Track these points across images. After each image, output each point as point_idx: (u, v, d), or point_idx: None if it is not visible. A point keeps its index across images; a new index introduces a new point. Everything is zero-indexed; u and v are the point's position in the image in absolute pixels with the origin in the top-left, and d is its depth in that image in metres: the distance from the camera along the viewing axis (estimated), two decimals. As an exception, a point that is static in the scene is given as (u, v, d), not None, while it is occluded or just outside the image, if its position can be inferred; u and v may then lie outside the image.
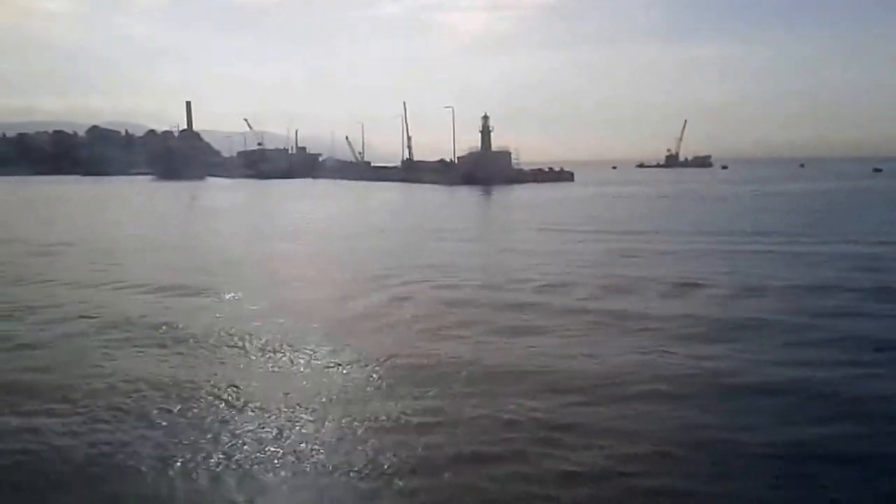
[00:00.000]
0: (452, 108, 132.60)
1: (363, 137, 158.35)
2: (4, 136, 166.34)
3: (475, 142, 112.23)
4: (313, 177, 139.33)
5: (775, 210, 50.07)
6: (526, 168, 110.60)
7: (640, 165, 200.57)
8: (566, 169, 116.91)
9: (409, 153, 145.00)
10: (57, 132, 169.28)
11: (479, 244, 32.73)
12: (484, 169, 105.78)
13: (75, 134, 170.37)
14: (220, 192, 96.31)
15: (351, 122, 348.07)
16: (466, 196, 78.78)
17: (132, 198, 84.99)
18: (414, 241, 33.27)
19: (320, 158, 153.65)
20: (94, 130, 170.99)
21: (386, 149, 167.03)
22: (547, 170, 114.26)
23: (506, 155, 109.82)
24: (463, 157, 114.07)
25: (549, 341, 14.00)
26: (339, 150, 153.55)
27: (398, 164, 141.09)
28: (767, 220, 40.70)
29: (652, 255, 26.36)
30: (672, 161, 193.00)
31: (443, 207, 62.92)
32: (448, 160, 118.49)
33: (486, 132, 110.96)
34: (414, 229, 39.65)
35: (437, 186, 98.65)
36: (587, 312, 16.50)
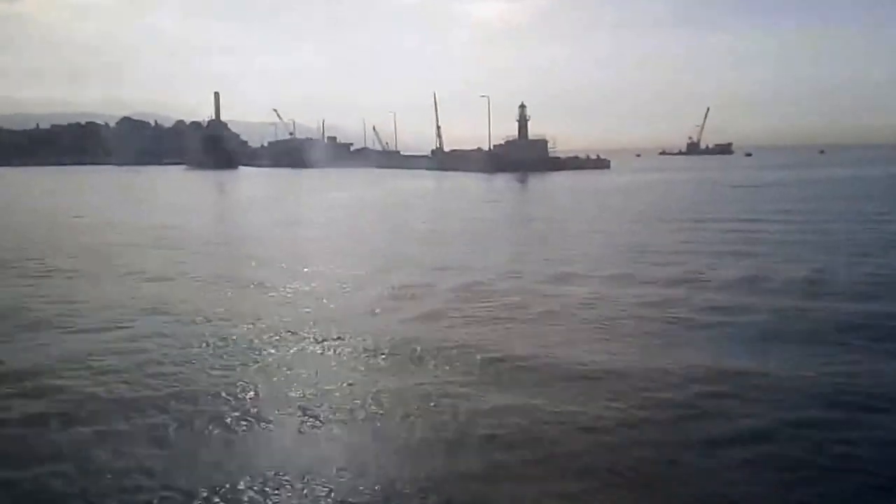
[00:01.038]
0: (488, 96, 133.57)
1: (395, 127, 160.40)
2: (38, 126, 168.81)
3: (497, 131, 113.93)
4: (345, 166, 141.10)
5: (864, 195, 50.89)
6: (562, 156, 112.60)
7: (662, 153, 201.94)
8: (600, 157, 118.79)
9: (440, 142, 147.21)
10: (89, 123, 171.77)
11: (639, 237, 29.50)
12: (521, 157, 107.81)
13: (106, 125, 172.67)
14: (268, 182, 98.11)
15: (375, 112, 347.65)
16: (519, 184, 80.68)
17: (193, 187, 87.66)
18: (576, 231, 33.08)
19: (351, 148, 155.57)
20: (125, 121, 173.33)
21: (407, 138, 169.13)
22: (584, 157, 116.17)
23: (542, 143, 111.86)
24: (498, 145, 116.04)
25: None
26: (366, 139, 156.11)
27: (427, 153, 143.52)
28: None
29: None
30: (693, 149, 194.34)
31: (520, 197, 64.45)
32: (484, 149, 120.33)
33: (522, 120, 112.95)
34: (549, 220, 39.34)
35: (474, 175, 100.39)
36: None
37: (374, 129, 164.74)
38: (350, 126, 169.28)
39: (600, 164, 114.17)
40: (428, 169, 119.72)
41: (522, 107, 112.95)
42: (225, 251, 28.39)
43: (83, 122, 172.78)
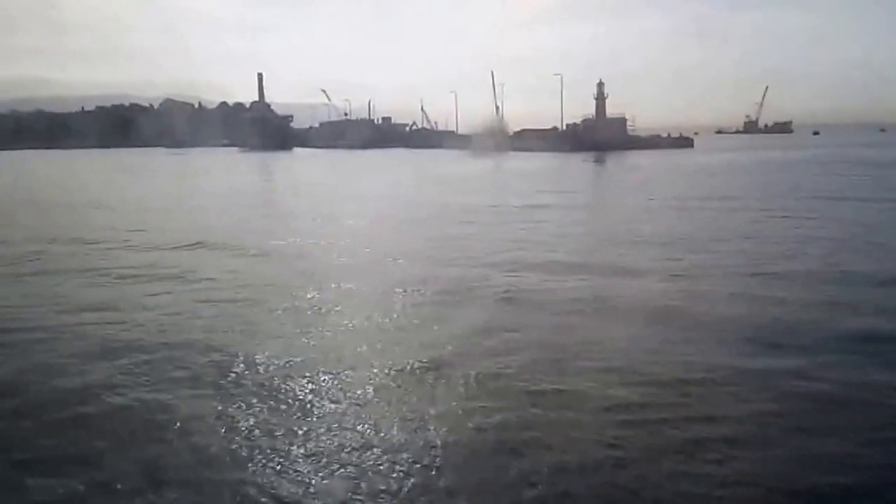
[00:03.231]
0: (561, 75, 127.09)
1: (457, 107, 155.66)
2: (83, 108, 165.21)
3: (546, 109, 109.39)
4: (403, 146, 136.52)
5: None
6: (643, 134, 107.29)
7: (719, 132, 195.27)
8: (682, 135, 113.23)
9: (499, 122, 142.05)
10: (133, 104, 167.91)
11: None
12: (600, 135, 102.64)
13: (151, 106, 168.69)
14: (347, 162, 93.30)
15: (421, 92, 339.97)
16: (613, 164, 75.89)
17: (283, 169, 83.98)
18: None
19: (406, 128, 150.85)
20: (168, 103, 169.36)
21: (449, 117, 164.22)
22: (665, 136, 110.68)
23: (621, 121, 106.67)
24: (572, 124, 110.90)
25: None
26: (425, 120, 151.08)
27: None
28: None
29: None
30: (751, 127, 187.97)
31: (631, 176, 59.52)
32: (555, 128, 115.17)
33: (600, 98, 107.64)
34: (703, 198, 36.09)
35: (548, 154, 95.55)
36: None
37: (422, 108, 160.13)
38: (394, 106, 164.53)
39: (683, 142, 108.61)
40: (488, 148, 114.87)
41: (601, 84, 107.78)
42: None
43: (127, 103, 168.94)
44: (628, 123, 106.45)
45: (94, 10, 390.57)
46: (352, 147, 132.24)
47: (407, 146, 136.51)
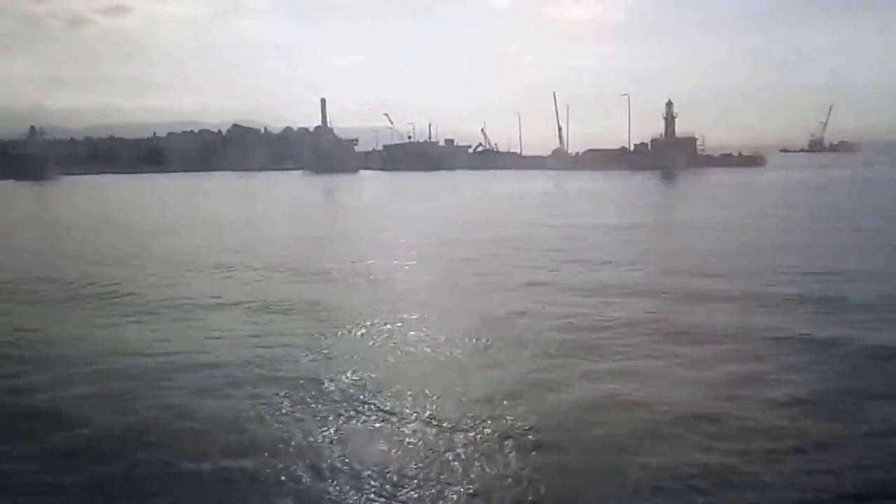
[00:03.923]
0: (628, 95, 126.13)
1: (520, 128, 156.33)
2: (154, 134, 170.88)
3: (608, 129, 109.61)
4: (466, 168, 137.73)
5: None
6: (714, 154, 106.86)
7: (784, 151, 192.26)
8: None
9: (561, 142, 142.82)
10: (202, 131, 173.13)
11: None
12: (670, 155, 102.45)
13: (220, 132, 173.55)
14: (416, 184, 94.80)
15: (482, 114, 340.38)
16: (693, 182, 75.72)
17: (378, 190, 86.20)
18: None
19: (469, 150, 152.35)
20: (235, 129, 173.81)
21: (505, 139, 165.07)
22: (736, 154, 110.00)
23: (692, 140, 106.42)
24: (641, 144, 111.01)
25: None
26: (487, 142, 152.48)
27: (544, 153, 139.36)
28: None
29: None
30: (816, 146, 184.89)
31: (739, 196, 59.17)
32: (620, 148, 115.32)
33: (670, 118, 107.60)
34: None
35: (617, 174, 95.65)
36: None
37: (482, 131, 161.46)
38: (455, 128, 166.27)
39: (754, 161, 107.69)
40: (551, 169, 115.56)
41: (669, 104, 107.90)
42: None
43: (196, 129, 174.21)
44: (698, 143, 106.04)
45: (161, 41, 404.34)
46: (415, 169, 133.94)
47: (470, 168, 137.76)
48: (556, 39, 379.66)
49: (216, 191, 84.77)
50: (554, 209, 47.71)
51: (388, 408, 10.48)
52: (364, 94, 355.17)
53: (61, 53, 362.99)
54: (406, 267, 24.36)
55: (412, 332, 14.83)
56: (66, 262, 26.75)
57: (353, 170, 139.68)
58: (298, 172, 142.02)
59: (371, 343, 14.29)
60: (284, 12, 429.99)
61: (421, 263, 25.01)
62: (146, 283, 21.33)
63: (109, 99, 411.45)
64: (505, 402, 10.43)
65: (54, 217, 52.98)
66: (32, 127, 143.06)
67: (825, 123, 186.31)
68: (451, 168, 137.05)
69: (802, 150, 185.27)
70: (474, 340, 14.05)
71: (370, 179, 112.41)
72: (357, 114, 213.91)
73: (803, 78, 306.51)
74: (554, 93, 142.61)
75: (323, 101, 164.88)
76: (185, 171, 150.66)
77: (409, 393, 11.04)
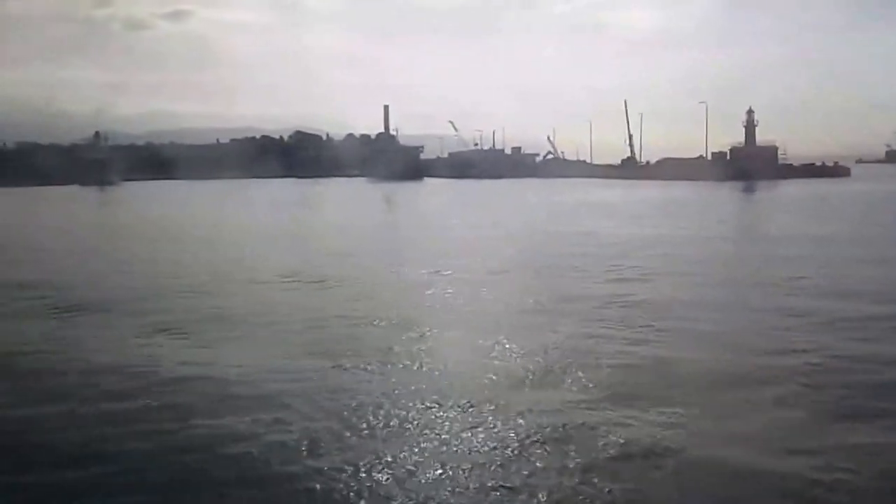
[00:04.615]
0: (706, 103, 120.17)
1: (591, 136, 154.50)
2: (218, 141, 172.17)
3: (681, 137, 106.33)
4: (533, 176, 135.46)
5: None
6: (795, 163, 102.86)
7: (859, 161, 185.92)
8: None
9: (631, 150, 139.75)
10: (264, 136, 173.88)
11: None
12: (751, 164, 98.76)
13: (281, 138, 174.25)
14: (488, 191, 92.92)
15: (550, 122, 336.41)
16: (780, 193, 72.52)
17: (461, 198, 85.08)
18: None
19: (537, 158, 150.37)
20: (298, 135, 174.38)
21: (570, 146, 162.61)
22: (819, 164, 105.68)
23: (772, 149, 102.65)
24: (718, 152, 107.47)
25: None
26: (555, 150, 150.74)
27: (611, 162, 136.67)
28: None
29: None
30: (893, 157, 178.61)
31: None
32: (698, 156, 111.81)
33: (750, 126, 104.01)
34: None
35: (695, 183, 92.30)
36: None
37: (548, 139, 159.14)
38: (521, 136, 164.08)
39: (839, 171, 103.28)
40: (622, 178, 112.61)
41: (750, 112, 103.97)
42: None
43: (258, 135, 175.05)
44: (780, 152, 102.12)
45: (222, 47, 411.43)
46: (482, 177, 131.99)
47: (537, 176, 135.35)
48: (620, 47, 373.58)
49: (313, 196, 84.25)
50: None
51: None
52: (429, 102, 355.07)
53: (122, 58, 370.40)
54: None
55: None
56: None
57: (418, 177, 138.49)
58: (362, 179, 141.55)
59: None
60: (347, 22, 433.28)
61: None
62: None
63: (170, 104, 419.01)
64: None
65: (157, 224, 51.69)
66: (97, 132, 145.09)
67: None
68: (517, 176, 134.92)
69: (878, 161, 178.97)
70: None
71: (436, 187, 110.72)
72: (421, 121, 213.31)
73: (876, 88, 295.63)
74: (625, 101, 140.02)
75: (386, 107, 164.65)
76: (248, 177, 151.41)
77: None
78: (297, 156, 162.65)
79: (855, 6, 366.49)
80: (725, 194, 72.81)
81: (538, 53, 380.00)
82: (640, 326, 14.92)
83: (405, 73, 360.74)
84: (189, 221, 50.29)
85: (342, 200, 79.16)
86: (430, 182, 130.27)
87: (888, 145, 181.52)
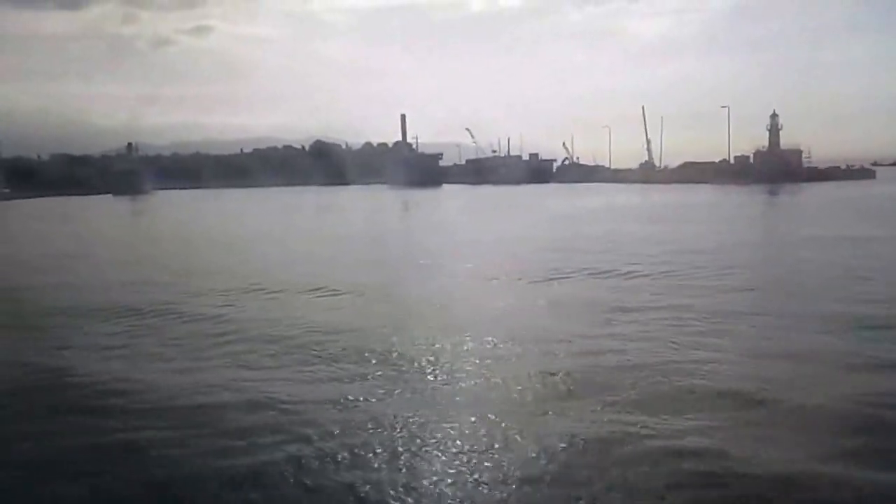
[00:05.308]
0: (728, 107, 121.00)
1: (610, 141, 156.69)
2: (241, 150, 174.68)
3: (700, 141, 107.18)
4: (551, 181, 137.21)
5: None
6: (820, 166, 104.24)
7: (875, 164, 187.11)
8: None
9: (649, 155, 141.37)
10: (285, 146, 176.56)
11: None
12: (775, 167, 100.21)
13: (303, 148, 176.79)
14: (514, 198, 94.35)
15: (568, 128, 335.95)
16: (810, 196, 73.50)
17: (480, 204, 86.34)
18: None
19: (555, 164, 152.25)
20: (318, 144, 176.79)
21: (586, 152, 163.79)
22: (844, 167, 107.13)
23: (797, 153, 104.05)
24: (741, 156, 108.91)
25: None
26: (572, 156, 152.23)
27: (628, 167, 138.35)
28: None
29: None
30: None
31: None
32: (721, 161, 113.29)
33: (774, 130, 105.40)
34: None
35: (719, 187, 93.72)
36: None
37: (563, 145, 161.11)
38: (537, 142, 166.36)
39: (865, 174, 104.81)
40: (640, 182, 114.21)
41: (774, 115, 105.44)
42: None
43: (280, 145, 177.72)
44: (804, 155, 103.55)
45: (242, 61, 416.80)
46: (500, 183, 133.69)
47: (556, 181, 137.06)
48: (636, 53, 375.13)
49: (354, 202, 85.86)
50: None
51: None
52: (445, 111, 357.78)
53: (148, 73, 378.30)
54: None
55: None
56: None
57: (437, 184, 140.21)
58: (383, 186, 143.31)
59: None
60: (361, 35, 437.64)
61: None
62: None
63: (193, 117, 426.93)
64: None
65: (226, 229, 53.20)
66: (130, 143, 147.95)
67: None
68: (536, 182, 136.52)
69: (894, 164, 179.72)
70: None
71: (456, 194, 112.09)
72: (437, 130, 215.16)
73: (889, 90, 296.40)
74: (643, 106, 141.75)
75: (403, 116, 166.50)
76: (271, 185, 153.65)
77: None
78: (317, 164, 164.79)
79: (872, 11, 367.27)
80: (763, 198, 73.74)
81: (553, 62, 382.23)
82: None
83: (420, 83, 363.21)
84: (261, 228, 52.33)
85: (380, 207, 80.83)
86: (449, 189, 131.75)
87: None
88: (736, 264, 24.42)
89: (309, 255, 31.30)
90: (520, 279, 22.49)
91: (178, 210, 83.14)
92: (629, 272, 22.72)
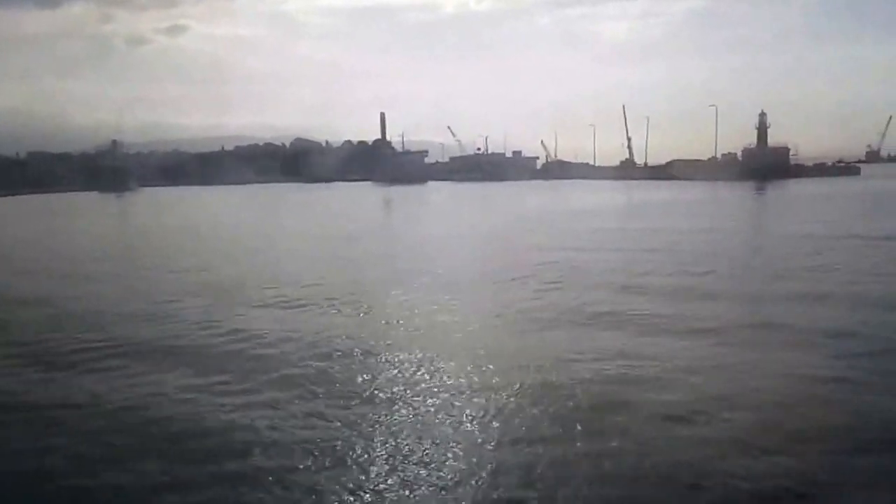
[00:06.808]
0: (716, 106, 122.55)
1: (594, 141, 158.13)
2: (223, 148, 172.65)
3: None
4: (533, 178, 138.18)
5: None
6: (807, 163, 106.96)
7: (839, 162, 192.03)
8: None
9: (630, 153, 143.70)
10: (267, 144, 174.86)
11: None
12: (762, 164, 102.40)
13: (283, 146, 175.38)
14: (499, 194, 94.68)
15: (551, 126, 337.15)
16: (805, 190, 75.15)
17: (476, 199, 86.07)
18: None
19: (538, 161, 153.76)
20: (298, 142, 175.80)
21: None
22: (830, 164, 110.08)
23: (784, 150, 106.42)
24: (728, 154, 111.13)
25: None
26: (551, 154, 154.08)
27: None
28: None
29: None
30: (873, 157, 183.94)
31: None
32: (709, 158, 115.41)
33: (762, 128, 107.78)
34: None
35: (707, 183, 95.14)
36: None
37: (542, 142, 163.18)
38: (519, 140, 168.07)
39: (849, 170, 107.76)
40: (621, 179, 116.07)
41: (763, 114, 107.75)
42: None
43: (261, 143, 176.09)
44: (791, 153, 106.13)
45: (217, 60, 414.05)
46: (484, 179, 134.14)
47: (537, 178, 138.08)
48: (606, 55, 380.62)
49: (343, 200, 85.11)
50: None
51: None
52: (426, 110, 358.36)
53: (125, 72, 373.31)
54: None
55: None
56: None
57: (422, 180, 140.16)
58: (368, 183, 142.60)
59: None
60: (338, 35, 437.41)
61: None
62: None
63: (172, 115, 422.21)
64: None
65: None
66: (114, 140, 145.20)
67: (883, 135, 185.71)
68: (519, 179, 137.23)
69: (860, 161, 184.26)
70: None
71: (440, 190, 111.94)
72: (417, 129, 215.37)
73: (859, 92, 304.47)
74: (623, 106, 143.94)
75: (382, 115, 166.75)
76: (253, 182, 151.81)
77: None
78: (299, 162, 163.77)
79: (834, 18, 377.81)
80: (756, 194, 75.03)
81: (528, 63, 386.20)
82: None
83: (399, 84, 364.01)
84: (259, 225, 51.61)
85: (377, 203, 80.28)
86: (434, 185, 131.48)
87: (869, 146, 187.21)
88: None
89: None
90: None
91: (176, 209, 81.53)
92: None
